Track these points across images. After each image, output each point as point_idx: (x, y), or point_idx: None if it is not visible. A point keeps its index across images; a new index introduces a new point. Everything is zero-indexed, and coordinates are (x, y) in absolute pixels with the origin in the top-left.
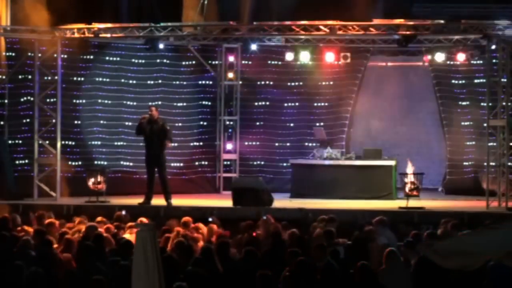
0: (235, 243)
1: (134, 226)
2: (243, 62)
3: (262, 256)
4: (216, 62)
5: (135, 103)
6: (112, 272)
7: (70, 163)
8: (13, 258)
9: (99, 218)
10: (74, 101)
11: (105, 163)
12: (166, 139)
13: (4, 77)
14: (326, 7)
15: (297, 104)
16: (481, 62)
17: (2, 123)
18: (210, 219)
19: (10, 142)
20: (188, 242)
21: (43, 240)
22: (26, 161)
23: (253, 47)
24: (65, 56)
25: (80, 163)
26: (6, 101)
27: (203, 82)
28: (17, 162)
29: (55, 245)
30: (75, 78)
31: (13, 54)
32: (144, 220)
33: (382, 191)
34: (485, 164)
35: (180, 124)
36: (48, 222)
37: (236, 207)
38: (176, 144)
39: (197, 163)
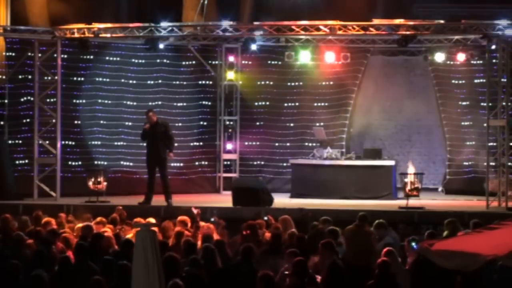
0: (232, 244)
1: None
2: (243, 62)
3: (260, 256)
4: (216, 62)
5: (135, 103)
6: (110, 272)
7: (70, 163)
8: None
9: (98, 219)
10: (74, 101)
11: (106, 163)
12: (168, 150)
13: (4, 77)
14: (326, 7)
15: (297, 104)
16: (481, 62)
17: (2, 123)
18: (212, 220)
19: (10, 142)
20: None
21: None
22: (26, 161)
23: (253, 47)
24: (65, 56)
25: (80, 163)
26: (6, 101)
27: (203, 82)
28: (17, 162)
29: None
30: (75, 78)
31: (13, 54)
32: (152, 220)
33: (382, 191)
34: (485, 164)
35: (180, 124)
36: (45, 222)
37: (236, 207)
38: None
39: (197, 163)
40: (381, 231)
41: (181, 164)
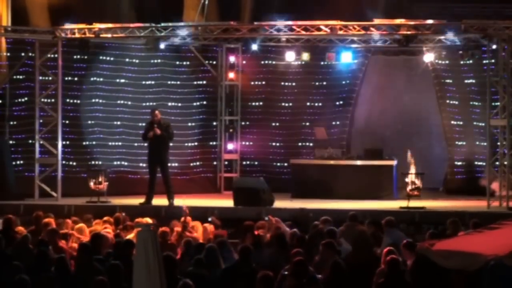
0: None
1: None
2: (243, 62)
3: (267, 257)
4: (217, 62)
5: (136, 104)
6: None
7: (71, 163)
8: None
9: (105, 218)
10: (75, 101)
11: (106, 163)
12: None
13: (5, 77)
14: (326, 7)
15: (298, 104)
16: (481, 61)
17: (3, 123)
18: (209, 219)
19: (11, 142)
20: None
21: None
22: (27, 161)
23: (254, 47)
24: (66, 56)
25: (81, 163)
26: (7, 101)
27: (204, 82)
28: (18, 162)
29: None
30: (76, 79)
31: (14, 54)
32: (149, 220)
33: (383, 191)
34: (485, 164)
35: (181, 124)
36: (45, 223)
37: (237, 207)
38: (177, 148)
39: (198, 163)
40: (387, 228)
41: (182, 164)
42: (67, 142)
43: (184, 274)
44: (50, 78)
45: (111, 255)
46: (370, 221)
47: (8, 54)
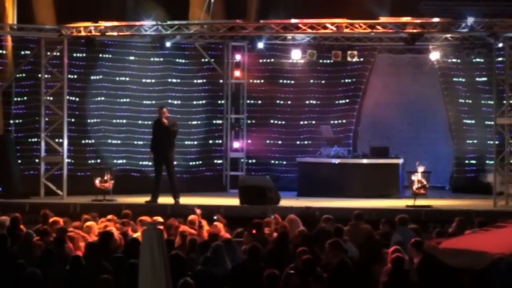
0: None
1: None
2: (249, 60)
3: (267, 255)
4: (223, 60)
5: (142, 102)
6: (119, 270)
7: (77, 161)
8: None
9: (109, 216)
10: (80, 99)
11: (112, 161)
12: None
13: (11, 75)
14: (333, 5)
15: (304, 102)
16: (487, 60)
17: (9, 121)
18: (215, 217)
19: (16, 140)
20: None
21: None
22: (33, 159)
23: (260, 45)
24: (73, 54)
25: (87, 161)
26: (12, 99)
27: (210, 80)
28: (23, 160)
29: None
30: (82, 77)
31: (20, 52)
32: (159, 219)
33: (389, 189)
34: (492, 162)
35: (186, 123)
36: (53, 221)
37: (243, 206)
38: (183, 147)
39: (203, 162)
40: (399, 226)
41: (188, 163)
42: (73, 141)
43: (192, 273)
44: (56, 76)
45: (125, 253)
46: (386, 221)
47: (14, 52)
